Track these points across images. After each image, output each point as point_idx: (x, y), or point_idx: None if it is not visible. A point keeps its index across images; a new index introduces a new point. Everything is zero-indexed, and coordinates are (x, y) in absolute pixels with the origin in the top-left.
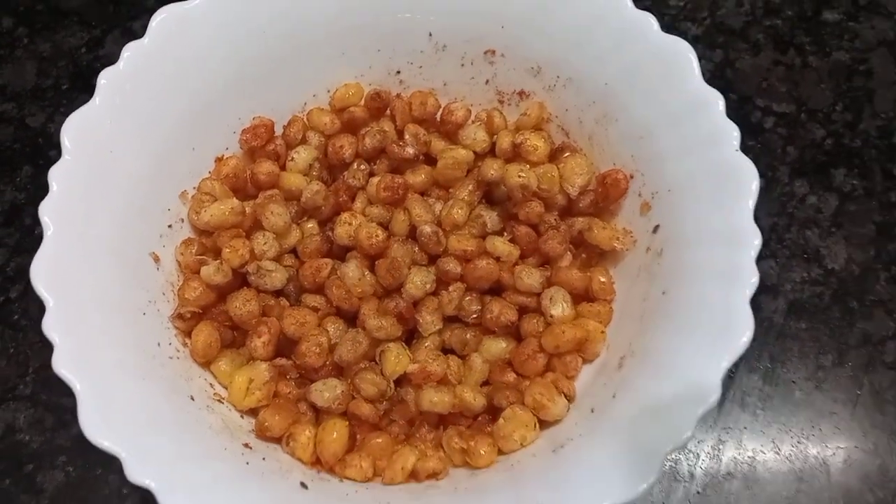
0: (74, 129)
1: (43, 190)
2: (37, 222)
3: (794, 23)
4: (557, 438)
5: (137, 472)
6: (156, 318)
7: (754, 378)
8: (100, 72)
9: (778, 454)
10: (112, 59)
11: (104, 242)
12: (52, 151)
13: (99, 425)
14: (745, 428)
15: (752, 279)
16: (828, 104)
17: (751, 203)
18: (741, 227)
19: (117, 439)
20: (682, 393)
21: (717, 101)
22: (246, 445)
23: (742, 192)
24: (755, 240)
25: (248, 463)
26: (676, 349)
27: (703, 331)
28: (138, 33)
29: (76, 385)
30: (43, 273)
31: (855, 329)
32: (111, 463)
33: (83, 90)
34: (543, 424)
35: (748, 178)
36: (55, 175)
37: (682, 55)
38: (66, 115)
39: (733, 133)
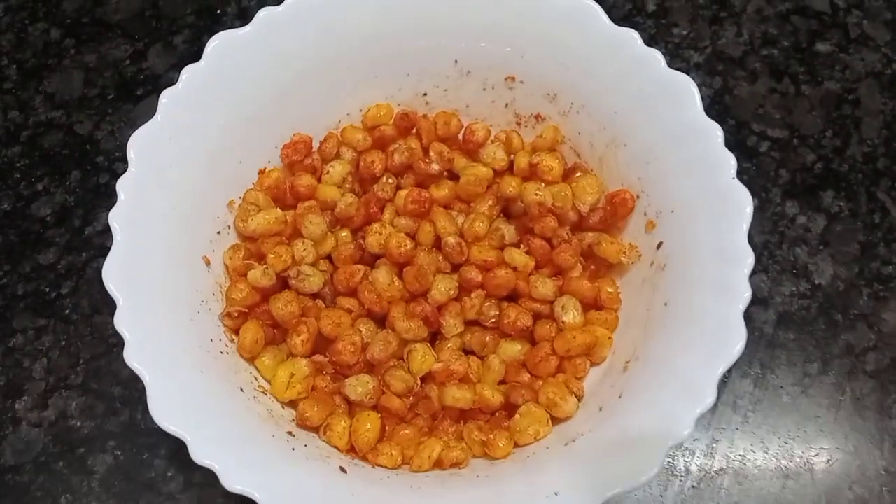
0: (139, 144)
1: (90, 193)
2: (85, 223)
3: (790, 53)
4: (568, 433)
5: (201, 454)
6: (208, 316)
7: (746, 383)
8: (142, 83)
9: (766, 453)
10: (154, 72)
11: (163, 246)
12: (98, 157)
13: (167, 412)
14: (737, 429)
15: (746, 294)
16: (818, 130)
17: (745, 226)
18: (737, 247)
19: (183, 424)
20: (682, 395)
21: (715, 131)
22: (289, 433)
23: (738, 215)
24: (749, 259)
25: (293, 449)
26: (677, 355)
27: (701, 339)
28: (179, 48)
29: (146, 376)
30: (113, 274)
31: (839, 340)
32: (157, 447)
33: (127, 100)
34: (555, 420)
35: (744, 203)
36: (123, 185)
37: (686, 88)
38: (112, 122)
39: (730, 161)
